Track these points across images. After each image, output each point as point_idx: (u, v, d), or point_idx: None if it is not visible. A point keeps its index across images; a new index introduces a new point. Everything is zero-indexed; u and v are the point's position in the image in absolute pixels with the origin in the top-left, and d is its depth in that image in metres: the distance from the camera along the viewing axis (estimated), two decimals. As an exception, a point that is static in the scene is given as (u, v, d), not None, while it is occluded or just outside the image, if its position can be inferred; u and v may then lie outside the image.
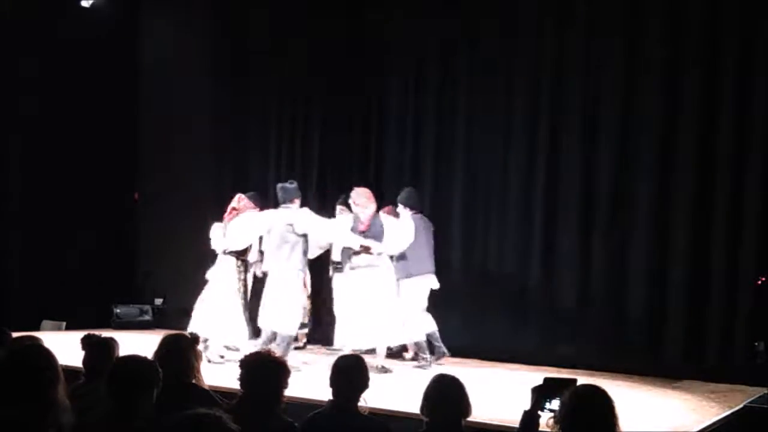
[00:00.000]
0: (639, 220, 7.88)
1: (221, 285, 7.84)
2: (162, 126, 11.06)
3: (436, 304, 7.92)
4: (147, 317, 10.61)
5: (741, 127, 7.39)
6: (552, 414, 3.32)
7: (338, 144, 9.74)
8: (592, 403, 3.16)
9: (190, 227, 9.55)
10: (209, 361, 7.25)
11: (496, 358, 8.14)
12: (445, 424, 3.63)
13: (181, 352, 4.03)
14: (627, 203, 7.96)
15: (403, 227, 7.58)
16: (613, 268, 7.99)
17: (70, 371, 3.82)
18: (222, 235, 7.88)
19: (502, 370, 7.70)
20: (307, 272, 7.95)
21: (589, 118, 8.17)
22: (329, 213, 8.21)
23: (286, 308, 7.35)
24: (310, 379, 5.84)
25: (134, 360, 3.45)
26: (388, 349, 7.63)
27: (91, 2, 10.53)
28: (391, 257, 7.58)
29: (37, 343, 3.77)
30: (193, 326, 7.83)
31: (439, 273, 7.96)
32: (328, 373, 3.91)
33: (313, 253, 7.77)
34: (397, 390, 6.04)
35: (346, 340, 7.40)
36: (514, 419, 3.63)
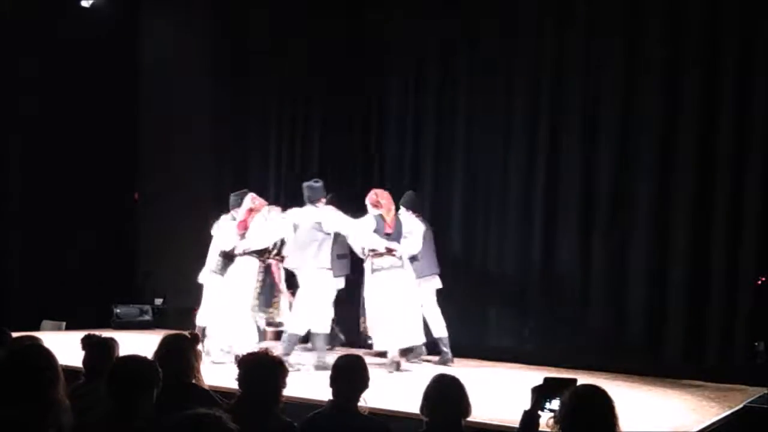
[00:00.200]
0: (639, 220, 7.87)
1: (237, 285, 7.61)
2: (162, 126, 11.06)
3: (437, 303, 7.94)
4: (147, 317, 10.61)
5: (741, 127, 7.38)
6: (552, 414, 3.31)
7: (338, 144, 9.73)
8: (592, 403, 3.16)
9: (190, 227, 9.54)
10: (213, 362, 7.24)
11: (496, 358, 8.14)
12: (445, 424, 3.62)
13: (181, 352, 4.02)
14: (627, 203, 7.95)
15: (417, 229, 7.65)
16: (613, 268, 7.98)
17: (70, 371, 3.82)
18: (236, 235, 7.69)
19: (502, 370, 7.70)
20: (282, 267, 7.75)
21: (589, 118, 8.16)
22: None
23: (317, 307, 7.42)
24: (310, 379, 5.83)
25: (134, 360, 3.45)
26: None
27: (91, 2, 10.54)
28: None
29: (37, 343, 3.77)
30: (201, 321, 7.88)
31: (440, 273, 8.01)
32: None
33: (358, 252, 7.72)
34: (397, 390, 6.03)
35: (388, 341, 7.41)
36: (514, 419, 3.63)
